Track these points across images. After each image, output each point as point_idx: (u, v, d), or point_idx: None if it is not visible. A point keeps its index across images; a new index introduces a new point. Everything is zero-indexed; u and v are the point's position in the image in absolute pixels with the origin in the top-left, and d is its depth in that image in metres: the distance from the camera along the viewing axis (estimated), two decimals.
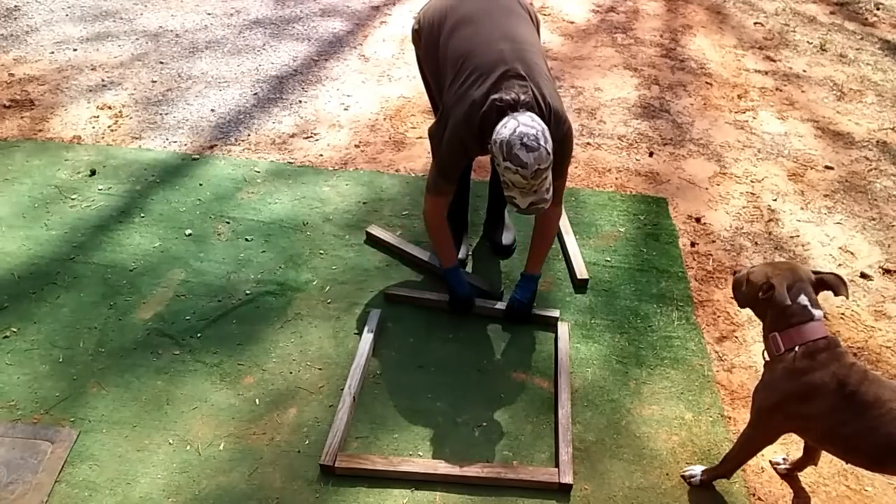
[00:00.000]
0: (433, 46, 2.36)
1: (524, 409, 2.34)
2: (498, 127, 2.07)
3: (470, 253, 2.89)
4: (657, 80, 4.19)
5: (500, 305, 2.61)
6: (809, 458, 2.13)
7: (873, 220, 3.26)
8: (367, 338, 2.46)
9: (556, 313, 2.60)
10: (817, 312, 1.81)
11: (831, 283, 1.85)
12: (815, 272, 1.87)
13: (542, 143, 2.02)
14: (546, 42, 4.43)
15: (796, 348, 1.78)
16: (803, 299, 1.81)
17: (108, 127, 3.48)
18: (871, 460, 1.78)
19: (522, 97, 2.10)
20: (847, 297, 1.88)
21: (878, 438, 1.70)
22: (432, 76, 2.46)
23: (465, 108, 2.17)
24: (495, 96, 2.12)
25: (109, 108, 3.62)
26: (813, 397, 1.75)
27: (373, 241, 2.90)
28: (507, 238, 2.89)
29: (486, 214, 2.99)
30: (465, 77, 2.19)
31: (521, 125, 2.03)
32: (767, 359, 1.88)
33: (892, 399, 1.70)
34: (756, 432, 1.94)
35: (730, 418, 2.34)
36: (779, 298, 1.80)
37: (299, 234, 2.93)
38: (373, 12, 4.74)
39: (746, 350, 2.57)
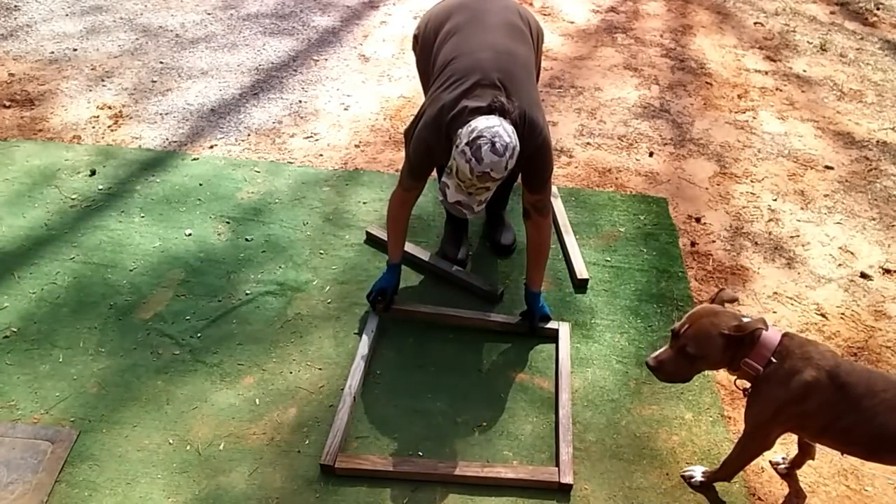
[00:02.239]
0: (428, 51, 2.38)
1: (524, 409, 2.34)
2: (480, 118, 2.05)
3: (470, 253, 2.89)
4: (657, 80, 4.19)
5: (496, 317, 2.57)
6: (806, 453, 2.14)
7: (873, 220, 3.26)
8: (367, 338, 2.46)
9: (555, 325, 2.56)
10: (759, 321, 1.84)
11: (725, 299, 1.89)
12: (714, 299, 1.91)
13: (507, 155, 2.01)
14: (546, 42, 4.41)
15: (771, 359, 1.79)
16: (745, 320, 1.82)
17: (108, 127, 3.48)
18: (867, 451, 1.80)
19: (497, 105, 2.07)
20: (737, 298, 1.90)
21: (872, 429, 1.73)
22: (423, 80, 2.48)
23: (435, 111, 2.17)
24: (466, 102, 2.11)
25: (109, 107, 3.62)
26: (809, 395, 1.77)
27: (373, 241, 2.90)
28: (506, 238, 2.90)
29: (485, 215, 2.99)
30: (443, 81, 2.20)
31: (503, 130, 2.02)
32: (746, 385, 1.89)
33: (884, 389, 1.73)
34: (755, 441, 1.94)
35: (730, 418, 2.34)
36: (763, 329, 1.79)
37: (299, 234, 2.93)
38: (373, 12, 4.74)
39: None
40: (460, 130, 2.07)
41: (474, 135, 2.01)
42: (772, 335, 1.81)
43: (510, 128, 2.05)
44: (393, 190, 2.44)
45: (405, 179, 2.37)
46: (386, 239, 2.84)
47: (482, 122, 2.03)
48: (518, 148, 2.06)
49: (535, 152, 2.21)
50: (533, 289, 2.51)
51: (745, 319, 1.81)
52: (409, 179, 2.36)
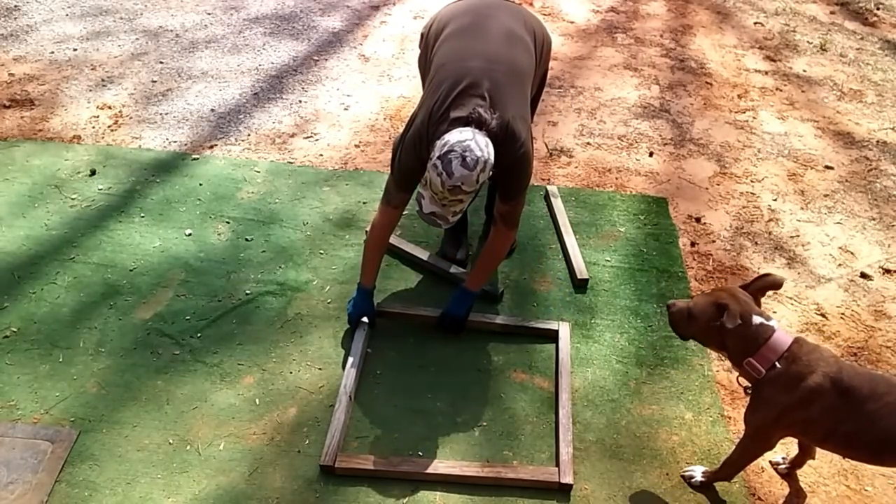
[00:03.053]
0: (426, 52, 2.39)
1: (524, 409, 2.34)
2: (454, 131, 2.06)
3: (470, 254, 2.89)
4: (657, 80, 4.19)
5: (500, 319, 2.57)
6: (806, 453, 2.13)
7: (873, 220, 3.26)
8: (360, 336, 2.45)
9: (555, 325, 2.56)
10: (773, 322, 1.82)
11: (767, 284, 1.87)
12: (743, 287, 1.88)
13: (478, 169, 2.00)
14: None
15: (776, 363, 1.78)
16: (756, 318, 1.81)
17: (108, 127, 3.48)
18: (870, 454, 1.80)
19: (475, 116, 2.07)
20: (782, 283, 1.88)
21: (876, 432, 1.72)
22: (423, 80, 2.47)
23: (424, 118, 2.17)
24: (449, 112, 2.11)
25: (109, 107, 3.62)
26: (813, 401, 1.76)
27: None
28: None
29: (485, 215, 2.99)
30: (434, 88, 2.19)
31: (474, 143, 2.01)
32: (746, 383, 1.89)
33: (887, 392, 1.72)
34: (756, 443, 1.94)
35: (730, 418, 2.34)
36: (728, 320, 1.78)
37: (299, 234, 2.93)
38: (373, 12, 4.74)
39: None
40: (436, 142, 2.07)
41: (445, 148, 2.01)
42: (782, 339, 1.80)
43: (483, 140, 2.03)
44: (375, 213, 2.42)
45: (393, 193, 2.34)
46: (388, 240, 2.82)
47: (454, 136, 2.03)
48: (491, 161, 2.04)
49: (513, 164, 2.20)
50: (468, 287, 2.50)
51: (757, 319, 1.80)
52: (397, 191, 2.33)
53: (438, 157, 2.02)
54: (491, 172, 2.08)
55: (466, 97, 2.12)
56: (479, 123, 2.06)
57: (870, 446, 1.76)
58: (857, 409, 1.73)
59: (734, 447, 2.04)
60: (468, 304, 2.51)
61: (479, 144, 2.01)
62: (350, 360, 2.38)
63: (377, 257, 2.48)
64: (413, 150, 2.22)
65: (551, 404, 2.35)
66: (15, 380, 2.30)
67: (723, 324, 1.79)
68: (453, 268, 2.75)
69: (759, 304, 1.88)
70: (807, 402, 1.76)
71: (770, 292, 2.80)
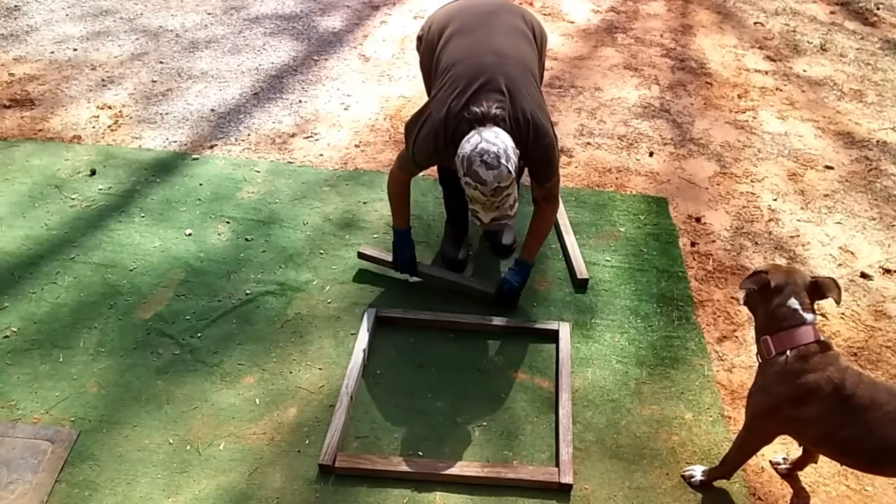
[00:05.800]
0: (431, 52, 2.39)
1: (524, 409, 2.34)
2: (462, 141, 2.08)
3: (471, 254, 2.89)
4: (657, 80, 4.18)
5: (498, 321, 2.56)
6: (809, 456, 2.13)
7: (873, 220, 3.26)
8: (363, 336, 2.45)
9: (555, 325, 2.56)
10: (809, 316, 1.80)
11: (824, 287, 1.83)
12: (813, 277, 1.85)
13: (503, 160, 2.01)
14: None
15: (788, 352, 1.78)
16: (794, 303, 1.80)
17: (108, 127, 3.48)
18: (867, 462, 1.79)
19: (494, 111, 2.09)
20: (838, 302, 1.82)
21: (873, 441, 1.71)
22: (426, 81, 2.49)
23: (441, 115, 2.19)
24: (468, 110, 2.12)
25: (109, 107, 3.62)
26: (808, 400, 1.75)
27: (366, 259, 2.77)
28: (507, 238, 2.90)
29: None
30: (449, 85, 2.21)
31: (484, 141, 2.03)
32: (761, 360, 1.89)
33: (887, 402, 1.70)
34: (751, 435, 1.94)
35: (730, 418, 2.34)
36: (772, 287, 1.80)
37: (299, 234, 2.93)
38: (373, 12, 4.74)
39: (746, 350, 2.57)
40: (456, 161, 2.10)
41: (466, 163, 2.04)
42: (805, 333, 1.78)
43: (491, 133, 2.05)
44: (391, 169, 2.48)
45: (407, 165, 2.40)
46: (378, 255, 2.74)
47: (466, 147, 2.06)
48: (510, 146, 2.06)
49: (541, 154, 2.26)
50: (524, 258, 2.57)
51: (795, 303, 1.78)
52: (412, 166, 2.39)
53: (465, 174, 2.05)
54: (518, 155, 2.10)
55: (484, 92, 2.15)
56: (489, 120, 2.09)
57: (866, 454, 1.75)
58: (855, 417, 1.72)
59: (733, 442, 2.04)
60: (525, 274, 2.58)
61: (488, 140, 2.03)
62: (352, 360, 2.38)
63: (405, 204, 2.55)
64: (426, 145, 2.25)
65: (551, 404, 2.35)
66: (15, 380, 2.30)
67: (758, 290, 1.80)
68: (477, 283, 2.69)
69: (816, 296, 1.83)
70: (802, 400, 1.76)
71: None
